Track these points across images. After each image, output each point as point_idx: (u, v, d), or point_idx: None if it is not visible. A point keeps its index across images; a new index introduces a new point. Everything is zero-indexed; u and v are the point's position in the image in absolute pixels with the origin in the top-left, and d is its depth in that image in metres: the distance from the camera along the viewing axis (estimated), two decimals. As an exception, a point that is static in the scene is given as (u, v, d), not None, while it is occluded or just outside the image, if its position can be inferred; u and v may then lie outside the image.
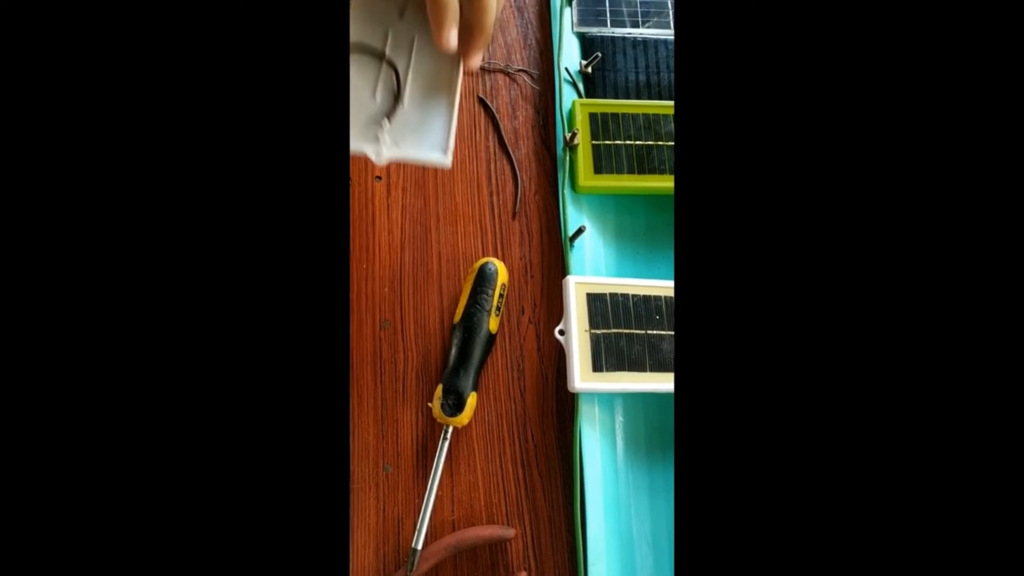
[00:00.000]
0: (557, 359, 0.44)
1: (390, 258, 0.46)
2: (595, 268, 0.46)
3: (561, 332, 0.41)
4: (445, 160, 0.34)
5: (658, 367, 0.40)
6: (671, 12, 0.52)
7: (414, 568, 0.37)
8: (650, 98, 0.49)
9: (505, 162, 0.49)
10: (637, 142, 0.46)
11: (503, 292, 0.43)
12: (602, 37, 0.51)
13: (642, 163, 0.46)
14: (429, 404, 0.41)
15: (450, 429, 0.40)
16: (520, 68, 0.51)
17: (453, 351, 0.41)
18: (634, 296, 0.42)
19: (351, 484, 0.40)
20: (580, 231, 0.43)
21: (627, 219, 0.48)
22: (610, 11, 0.52)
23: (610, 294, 0.42)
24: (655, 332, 0.41)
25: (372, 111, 0.34)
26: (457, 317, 0.42)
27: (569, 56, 0.50)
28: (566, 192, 0.46)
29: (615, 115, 0.47)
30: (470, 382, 0.40)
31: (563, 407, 0.43)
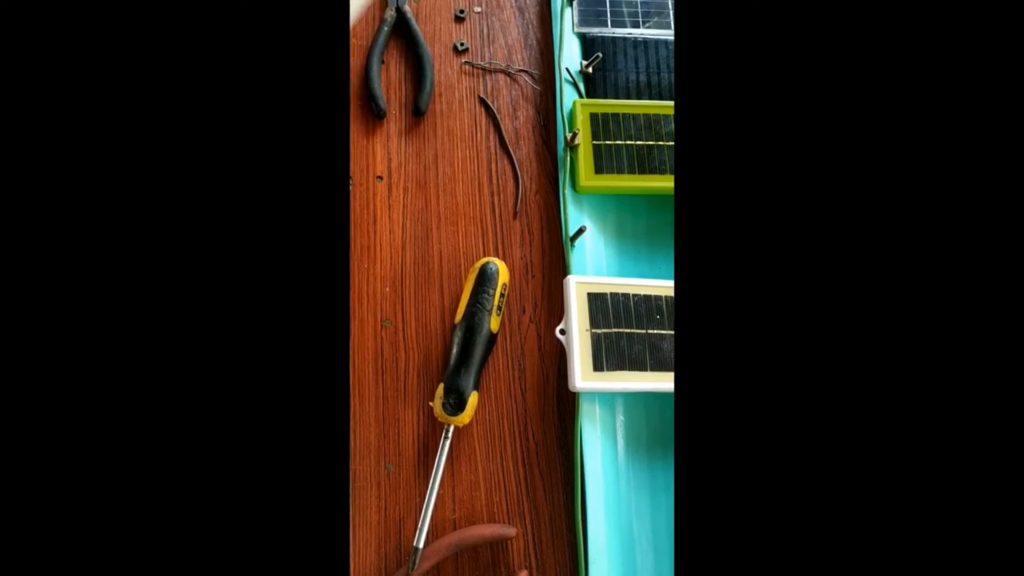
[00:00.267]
0: (558, 358, 0.44)
1: (391, 258, 0.46)
2: (596, 268, 0.46)
3: (562, 331, 0.41)
4: None
5: (659, 366, 0.40)
6: (671, 12, 0.53)
7: (415, 566, 0.37)
8: (651, 98, 0.49)
9: (506, 162, 0.49)
10: (638, 142, 0.46)
11: (504, 292, 0.43)
12: (603, 37, 0.51)
13: (643, 163, 0.46)
14: (430, 403, 0.41)
15: (451, 428, 0.40)
16: (521, 68, 0.52)
17: (454, 350, 0.41)
18: (635, 296, 0.42)
19: (353, 483, 0.41)
20: (581, 231, 0.44)
21: (628, 219, 0.48)
22: (611, 11, 0.52)
23: (611, 294, 0.42)
24: (655, 331, 0.41)
25: None
26: (458, 316, 0.42)
27: (570, 56, 0.51)
28: (567, 192, 0.46)
29: (616, 115, 0.47)
30: (471, 381, 0.40)
31: (564, 406, 0.43)
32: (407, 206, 0.47)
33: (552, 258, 0.47)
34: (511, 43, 0.52)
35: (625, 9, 0.52)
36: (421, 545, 0.37)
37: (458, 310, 0.42)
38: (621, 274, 0.46)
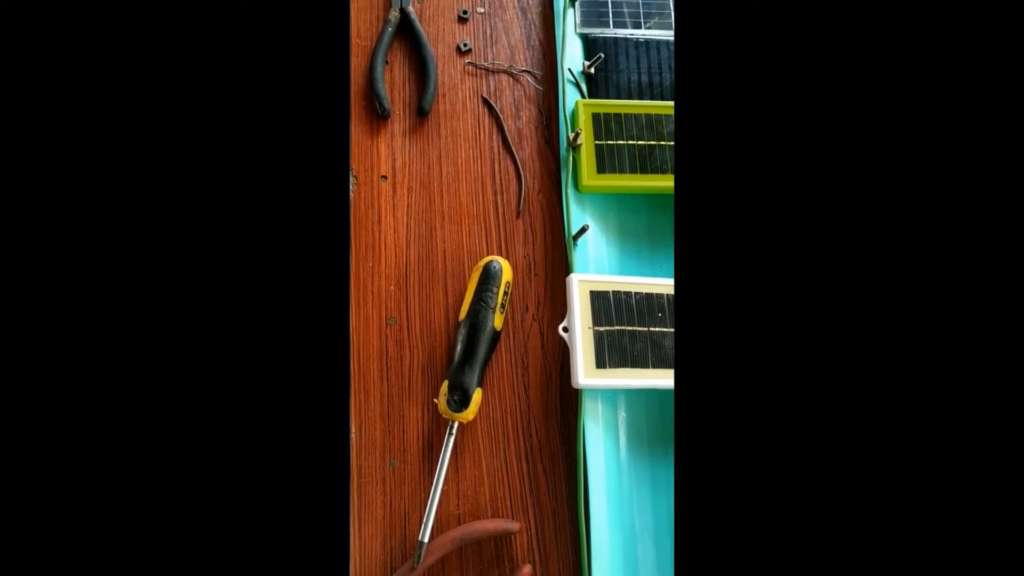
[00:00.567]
0: (561, 356, 0.45)
1: (396, 256, 0.46)
2: (598, 266, 0.46)
3: (565, 329, 0.42)
4: None
5: (660, 364, 0.41)
6: (672, 13, 0.53)
7: (420, 561, 0.37)
8: (652, 98, 0.50)
9: (509, 162, 0.49)
10: (639, 142, 0.47)
11: (507, 290, 0.43)
12: (604, 38, 0.51)
13: (644, 163, 0.46)
14: (435, 400, 0.42)
15: (455, 424, 0.40)
16: (524, 69, 0.52)
17: (458, 348, 0.41)
18: (637, 294, 0.42)
19: (359, 479, 0.41)
20: (583, 230, 0.44)
21: (630, 218, 0.49)
22: (612, 12, 0.53)
23: (613, 292, 0.42)
24: (657, 329, 0.42)
25: None
26: (462, 314, 0.42)
27: (572, 57, 0.51)
28: (569, 191, 0.46)
29: (618, 115, 0.47)
30: (475, 378, 0.40)
31: (566, 403, 0.43)
32: (411, 205, 0.48)
33: (555, 257, 0.47)
34: (514, 44, 0.53)
35: (626, 10, 0.53)
36: (426, 539, 0.38)
37: (462, 308, 0.43)
38: (623, 272, 0.46)
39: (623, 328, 0.41)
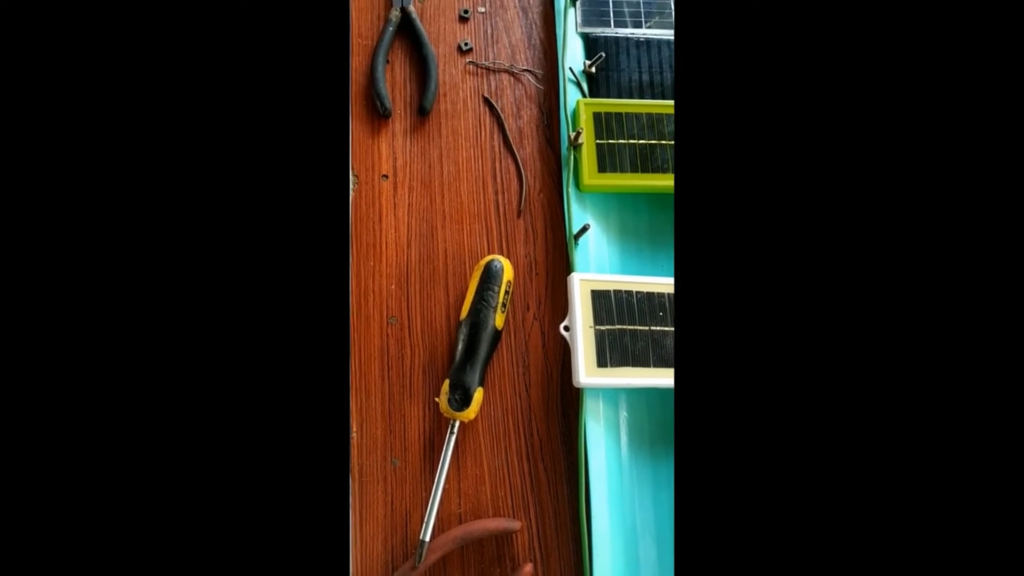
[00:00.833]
0: (562, 355, 0.45)
1: (397, 255, 0.46)
2: (599, 265, 0.46)
3: (566, 328, 0.42)
4: None
5: (661, 363, 0.41)
6: (673, 12, 0.53)
7: (422, 560, 0.38)
8: (653, 98, 0.50)
9: (510, 161, 0.49)
10: (640, 141, 0.47)
11: (508, 289, 0.43)
12: (605, 37, 0.51)
13: (645, 162, 0.46)
14: (436, 399, 0.42)
15: (457, 423, 0.40)
16: (525, 68, 0.52)
17: (459, 347, 0.41)
18: (638, 293, 0.42)
19: (360, 478, 0.41)
20: (584, 229, 0.44)
21: (630, 217, 0.49)
22: (613, 11, 0.53)
23: (614, 291, 0.42)
24: (658, 328, 0.42)
25: None
26: (463, 313, 0.42)
27: (573, 56, 0.51)
28: (570, 190, 0.46)
29: (619, 114, 0.47)
30: (476, 377, 0.41)
31: (568, 402, 0.43)
32: (412, 205, 0.48)
33: (556, 256, 0.47)
34: (515, 43, 0.53)
35: (627, 9, 0.53)
36: (427, 538, 0.38)
37: (463, 307, 0.43)
38: (624, 272, 0.46)
39: (624, 327, 0.41)
